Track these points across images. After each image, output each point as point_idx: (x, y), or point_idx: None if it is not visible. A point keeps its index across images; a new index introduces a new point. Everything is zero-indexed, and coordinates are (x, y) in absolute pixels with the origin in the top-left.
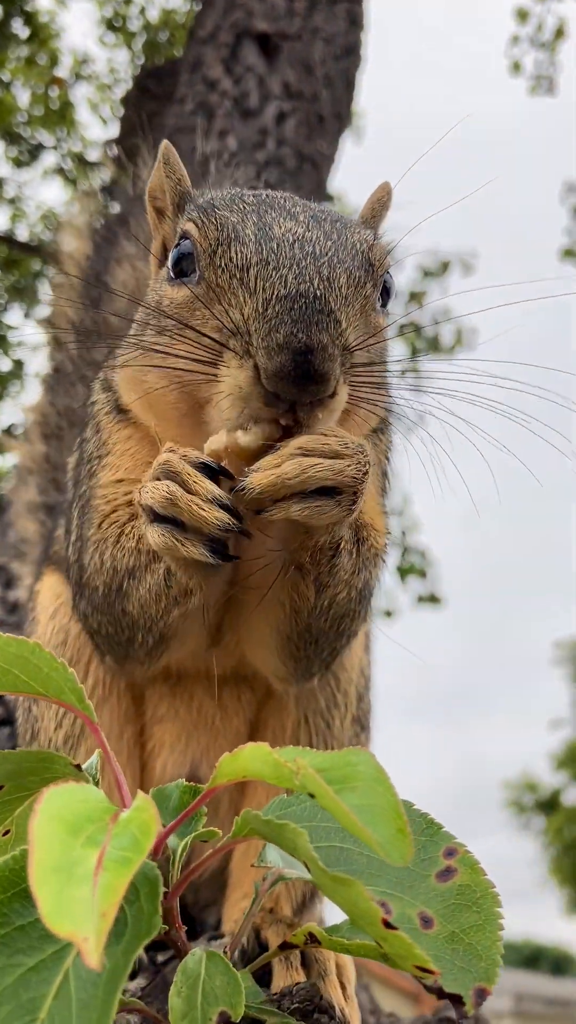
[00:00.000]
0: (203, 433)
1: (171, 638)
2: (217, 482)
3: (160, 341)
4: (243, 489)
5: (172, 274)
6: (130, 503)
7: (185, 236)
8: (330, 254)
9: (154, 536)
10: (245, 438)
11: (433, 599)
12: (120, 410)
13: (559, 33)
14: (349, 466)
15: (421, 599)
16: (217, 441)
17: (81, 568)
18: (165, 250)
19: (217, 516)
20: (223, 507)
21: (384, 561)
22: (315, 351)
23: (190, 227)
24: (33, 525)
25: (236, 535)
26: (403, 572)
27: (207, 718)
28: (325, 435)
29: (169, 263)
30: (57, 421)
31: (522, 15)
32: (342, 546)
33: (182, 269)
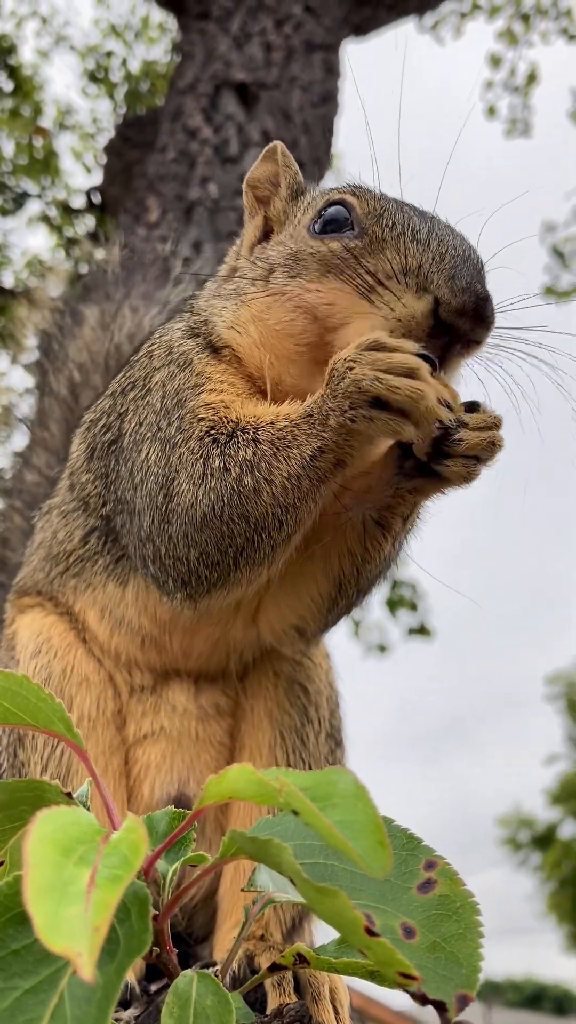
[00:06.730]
0: (319, 371)
1: (296, 530)
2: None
3: (295, 283)
4: (459, 441)
5: (316, 230)
6: (236, 419)
7: (334, 204)
8: (469, 244)
9: (373, 418)
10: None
11: (423, 631)
12: (214, 349)
13: (531, 78)
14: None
15: (412, 631)
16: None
17: (170, 497)
18: (266, 226)
19: (446, 415)
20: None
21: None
22: (489, 300)
23: (347, 197)
24: None
25: None
26: (393, 605)
27: (189, 729)
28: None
29: (318, 223)
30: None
31: (495, 61)
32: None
33: (328, 229)
